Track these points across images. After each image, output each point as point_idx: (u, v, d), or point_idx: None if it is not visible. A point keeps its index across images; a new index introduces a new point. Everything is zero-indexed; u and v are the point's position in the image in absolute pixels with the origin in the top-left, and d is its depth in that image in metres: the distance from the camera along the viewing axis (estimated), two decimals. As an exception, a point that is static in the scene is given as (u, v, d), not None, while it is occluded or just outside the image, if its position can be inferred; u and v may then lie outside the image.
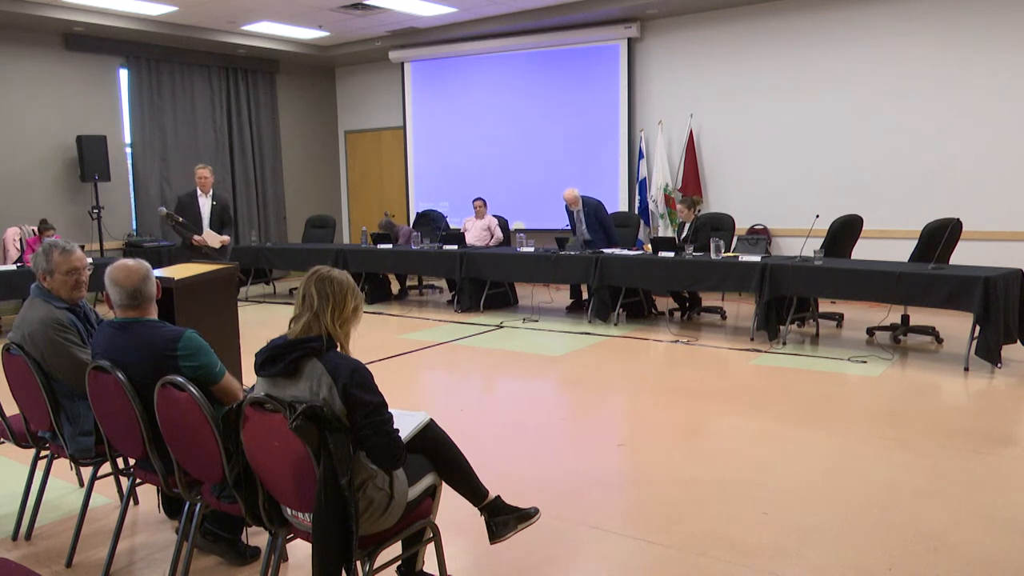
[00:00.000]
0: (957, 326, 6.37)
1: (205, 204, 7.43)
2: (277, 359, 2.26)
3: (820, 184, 8.46)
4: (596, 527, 3.16)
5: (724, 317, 7.72)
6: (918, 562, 2.82)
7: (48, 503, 3.34)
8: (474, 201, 9.21)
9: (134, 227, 10.14)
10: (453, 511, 2.83)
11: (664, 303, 8.00)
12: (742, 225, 8.56)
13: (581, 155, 9.98)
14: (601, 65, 9.71)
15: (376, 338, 7.13)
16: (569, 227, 8.41)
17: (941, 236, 6.12)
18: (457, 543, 2.99)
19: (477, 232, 9.09)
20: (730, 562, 2.85)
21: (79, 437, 2.93)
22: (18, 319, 3.03)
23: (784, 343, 6.42)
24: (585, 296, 7.90)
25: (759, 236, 8.62)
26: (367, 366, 2.26)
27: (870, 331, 6.65)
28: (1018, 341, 5.59)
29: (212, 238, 7.37)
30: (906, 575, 2.74)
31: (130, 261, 2.74)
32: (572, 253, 7.64)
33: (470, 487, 2.60)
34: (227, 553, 2.92)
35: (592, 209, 8.14)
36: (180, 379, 2.43)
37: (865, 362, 5.80)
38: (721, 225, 7.70)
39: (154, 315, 2.74)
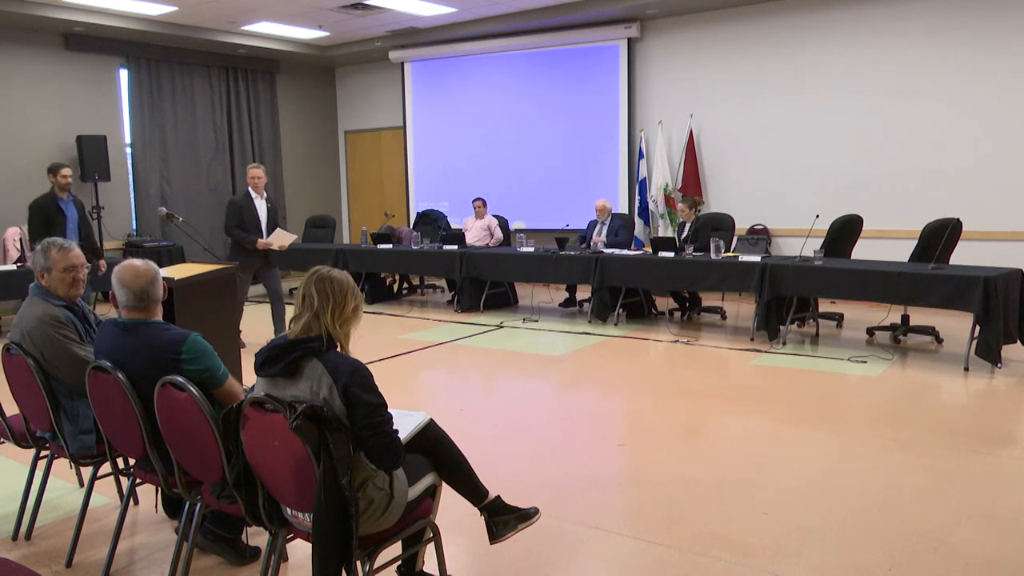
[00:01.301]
0: (957, 326, 6.37)
1: (261, 206, 6.79)
2: (277, 359, 2.26)
3: (820, 184, 8.46)
4: (596, 527, 3.16)
5: (724, 317, 7.71)
6: (918, 562, 2.82)
7: (48, 503, 3.33)
8: (474, 201, 9.21)
9: (134, 227, 10.14)
10: (453, 511, 2.83)
11: (664, 303, 8.00)
12: (742, 225, 8.56)
13: (581, 155, 9.98)
14: (601, 65, 9.71)
15: (376, 338, 7.12)
16: (585, 231, 8.38)
17: (941, 236, 6.12)
18: (457, 543, 2.99)
19: (477, 232, 9.08)
20: (730, 562, 2.85)
21: (80, 436, 2.93)
22: (17, 317, 3.04)
23: (784, 343, 6.42)
24: (584, 296, 7.91)
25: (759, 236, 8.62)
26: (367, 366, 2.26)
27: (870, 331, 6.65)
28: (1018, 341, 5.59)
29: (281, 238, 6.78)
30: (906, 575, 2.74)
31: (138, 262, 2.72)
32: (572, 253, 7.64)
33: (470, 487, 2.61)
34: (227, 553, 2.92)
35: (619, 224, 8.21)
36: (180, 379, 2.43)
37: (865, 362, 5.80)
38: (721, 225, 7.70)
39: (159, 317, 2.73)
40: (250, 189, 6.82)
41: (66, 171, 6.44)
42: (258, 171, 6.90)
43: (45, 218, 6.36)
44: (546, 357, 6.31)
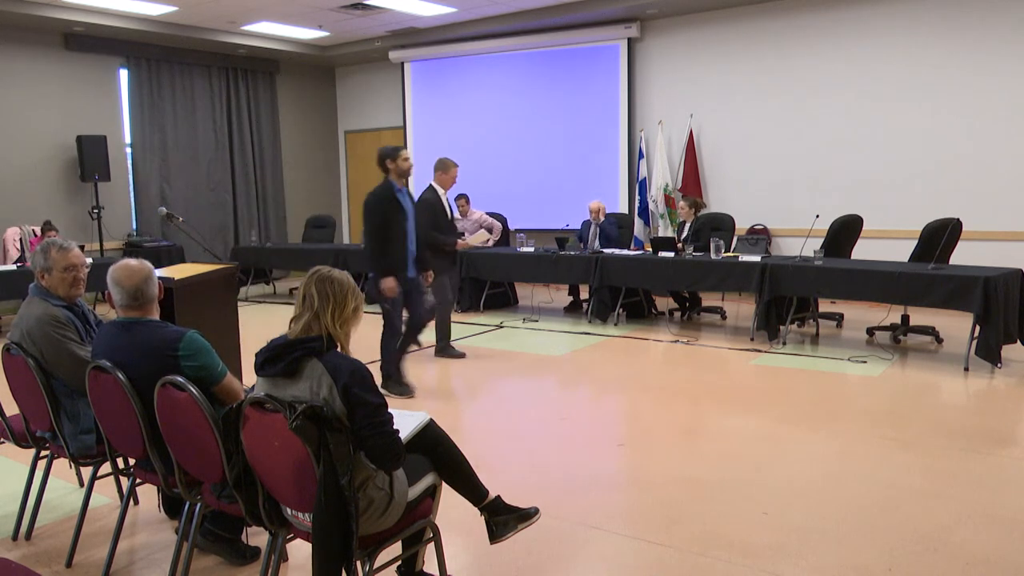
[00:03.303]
0: (957, 326, 6.37)
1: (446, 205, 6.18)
2: (277, 359, 2.26)
3: (820, 184, 8.46)
4: (596, 527, 3.16)
5: (724, 317, 7.71)
6: (918, 562, 2.82)
7: (48, 503, 3.34)
8: (456, 199, 9.01)
9: (134, 227, 10.14)
10: (453, 511, 2.83)
11: (664, 303, 8.00)
12: (742, 225, 8.56)
13: (581, 155, 9.98)
14: (601, 65, 9.71)
15: (376, 338, 7.10)
16: (579, 231, 8.36)
17: (941, 236, 6.12)
18: (457, 543, 2.99)
19: (473, 234, 8.95)
20: (730, 562, 2.85)
21: (80, 435, 2.93)
22: (17, 317, 3.04)
23: (784, 343, 6.42)
24: (584, 296, 7.91)
25: (759, 236, 8.62)
26: (367, 366, 2.26)
27: (870, 331, 6.65)
28: (1018, 341, 5.59)
29: (479, 237, 6.50)
30: (906, 575, 2.74)
31: (132, 261, 2.74)
32: (572, 253, 7.64)
33: (470, 487, 2.61)
34: (227, 553, 2.92)
35: (611, 225, 8.17)
36: (180, 379, 2.43)
37: (865, 362, 5.80)
38: (721, 225, 7.70)
39: (156, 315, 2.74)
40: (436, 185, 6.04)
41: (407, 152, 5.12)
42: (456, 168, 6.11)
43: (384, 213, 5.04)
44: (546, 357, 6.31)
